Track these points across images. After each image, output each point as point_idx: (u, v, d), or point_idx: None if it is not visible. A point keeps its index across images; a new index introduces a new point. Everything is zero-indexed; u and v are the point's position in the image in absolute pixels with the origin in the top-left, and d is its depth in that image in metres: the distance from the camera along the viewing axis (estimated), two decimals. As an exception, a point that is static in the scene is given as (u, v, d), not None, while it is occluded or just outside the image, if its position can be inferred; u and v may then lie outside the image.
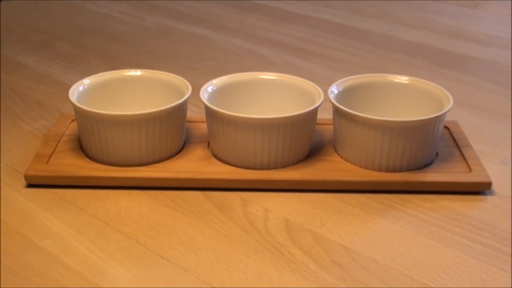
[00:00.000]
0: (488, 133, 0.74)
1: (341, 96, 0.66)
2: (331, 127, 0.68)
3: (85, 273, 0.51)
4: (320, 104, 0.63)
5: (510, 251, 0.54)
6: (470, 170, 0.63)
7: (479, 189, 0.62)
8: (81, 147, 0.66)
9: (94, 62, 0.94)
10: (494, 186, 0.62)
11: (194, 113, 0.75)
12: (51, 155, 0.65)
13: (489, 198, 0.61)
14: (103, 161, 0.63)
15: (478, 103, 0.82)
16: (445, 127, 0.71)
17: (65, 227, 0.57)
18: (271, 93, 0.70)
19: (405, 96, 0.69)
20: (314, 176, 0.62)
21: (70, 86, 0.66)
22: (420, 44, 1.04)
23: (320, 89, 0.66)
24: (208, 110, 0.63)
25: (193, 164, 0.64)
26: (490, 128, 0.75)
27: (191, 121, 0.71)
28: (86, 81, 0.68)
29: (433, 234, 0.56)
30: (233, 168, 0.63)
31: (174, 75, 0.69)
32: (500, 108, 0.81)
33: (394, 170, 0.62)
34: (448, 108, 0.62)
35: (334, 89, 0.66)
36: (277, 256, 0.53)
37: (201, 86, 0.66)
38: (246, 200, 0.60)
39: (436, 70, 0.93)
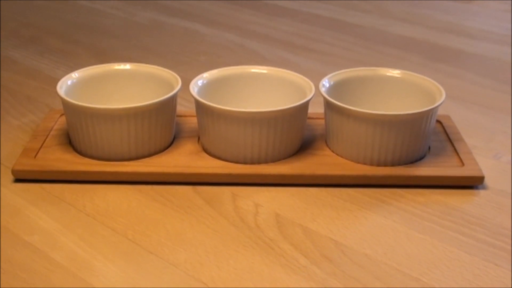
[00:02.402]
0: (480, 127, 0.73)
1: (332, 90, 0.65)
2: (322, 121, 0.68)
3: (73, 269, 0.50)
4: (311, 97, 0.63)
5: (502, 245, 0.54)
6: (463, 164, 0.63)
7: (472, 183, 0.61)
8: (69, 141, 0.65)
9: (85, 57, 0.94)
10: (487, 180, 0.62)
11: (184, 108, 0.75)
12: (39, 150, 0.64)
13: (481, 192, 0.61)
14: (92, 155, 0.63)
15: (471, 97, 0.81)
16: (438, 121, 0.70)
17: (53, 222, 0.56)
18: (262, 87, 0.69)
19: (397, 89, 0.68)
20: (305, 171, 0.61)
21: (59, 81, 0.65)
22: (413, 39, 1.04)
23: (311, 83, 0.65)
24: (198, 104, 0.63)
25: (183, 159, 0.63)
26: (483, 122, 0.75)
27: (181, 116, 0.70)
28: (75, 75, 0.67)
29: (425, 228, 0.56)
30: (224, 162, 0.62)
31: (163, 68, 0.68)
32: (493, 102, 0.80)
33: (385, 164, 0.62)
34: (440, 101, 0.62)
35: (325, 83, 0.66)
36: (267, 251, 0.53)
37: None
38: (237, 195, 0.60)
39: (429, 65, 0.92)
